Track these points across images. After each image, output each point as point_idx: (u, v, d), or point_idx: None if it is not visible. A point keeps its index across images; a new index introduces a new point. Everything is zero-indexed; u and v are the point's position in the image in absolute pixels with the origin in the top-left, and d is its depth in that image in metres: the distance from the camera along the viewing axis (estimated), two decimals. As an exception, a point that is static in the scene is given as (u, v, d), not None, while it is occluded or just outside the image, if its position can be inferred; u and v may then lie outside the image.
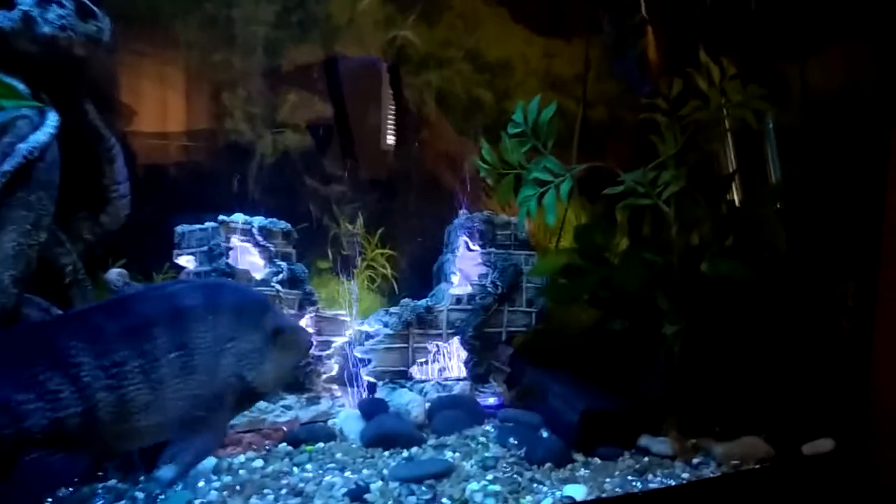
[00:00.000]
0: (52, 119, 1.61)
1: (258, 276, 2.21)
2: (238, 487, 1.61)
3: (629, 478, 1.76)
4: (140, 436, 1.34)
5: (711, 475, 1.82)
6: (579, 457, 1.89)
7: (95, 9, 1.73)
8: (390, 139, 2.70)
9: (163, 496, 1.53)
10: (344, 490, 1.60)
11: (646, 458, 1.89)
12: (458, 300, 2.40)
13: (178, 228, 2.17)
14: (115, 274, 1.93)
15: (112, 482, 1.61)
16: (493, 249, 2.47)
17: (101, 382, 1.21)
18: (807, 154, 2.31)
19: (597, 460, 1.87)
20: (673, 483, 1.75)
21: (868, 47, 2.23)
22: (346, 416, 2.07)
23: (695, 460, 1.89)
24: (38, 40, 1.63)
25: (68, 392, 1.18)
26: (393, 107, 2.61)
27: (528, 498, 1.61)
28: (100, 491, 1.57)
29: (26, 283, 1.55)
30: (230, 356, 1.33)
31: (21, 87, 1.60)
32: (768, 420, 2.00)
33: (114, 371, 1.22)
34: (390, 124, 2.65)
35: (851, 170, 2.20)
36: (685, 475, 1.81)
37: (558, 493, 1.65)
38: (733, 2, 2.40)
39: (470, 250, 2.49)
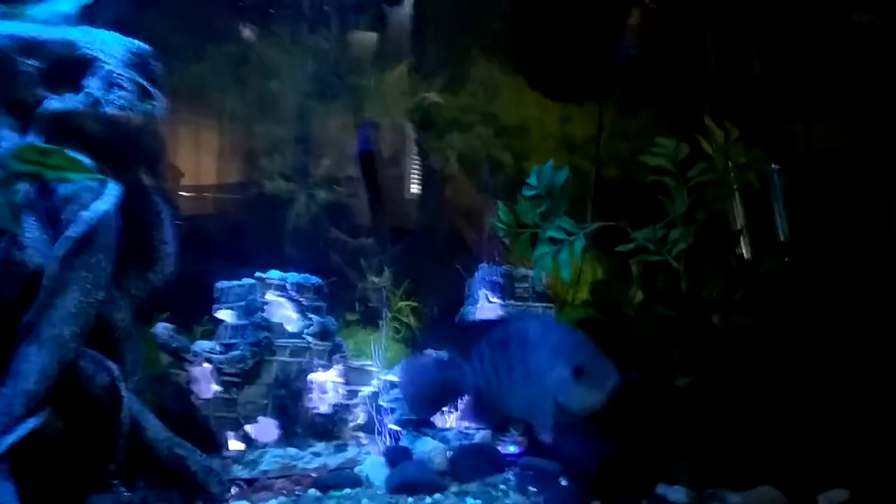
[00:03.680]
0: (113, 189, 1.78)
1: (291, 328, 2.34)
2: (271, 531, 1.71)
3: (645, 526, 1.81)
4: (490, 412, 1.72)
5: (727, 524, 1.86)
6: (597, 505, 1.94)
7: (152, 89, 1.92)
8: (415, 196, 2.86)
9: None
10: (370, 534, 1.69)
11: (662, 507, 1.93)
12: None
13: (218, 284, 2.32)
14: (161, 328, 2.09)
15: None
16: (511, 301, 2.58)
17: (488, 366, 1.67)
18: (813, 209, 2.39)
19: (614, 509, 1.92)
20: (688, 532, 1.79)
21: (870, 108, 2.34)
22: (372, 463, 2.16)
23: (711, 510, 1.93)
24: (102, 119, 1.82)
25: (479, 367, 1.67)
26: (418, 168, 2.77)
27: (546, 544, 1.68)
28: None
29: (84, 339, 1.70)
30: (548, 378, 1.67)
31: (86, 160, 1.78)
32: (783, 470, 2.03)
33: (495, 361, 1.67)
34: (415, 183, 2.81)
35: (857, 223, 2.28)
36: (701, 524, 1.85)
37: (575, 541, 1.71)
38: (737, 66, 2.54)
39: (490, 302, 2.60)
